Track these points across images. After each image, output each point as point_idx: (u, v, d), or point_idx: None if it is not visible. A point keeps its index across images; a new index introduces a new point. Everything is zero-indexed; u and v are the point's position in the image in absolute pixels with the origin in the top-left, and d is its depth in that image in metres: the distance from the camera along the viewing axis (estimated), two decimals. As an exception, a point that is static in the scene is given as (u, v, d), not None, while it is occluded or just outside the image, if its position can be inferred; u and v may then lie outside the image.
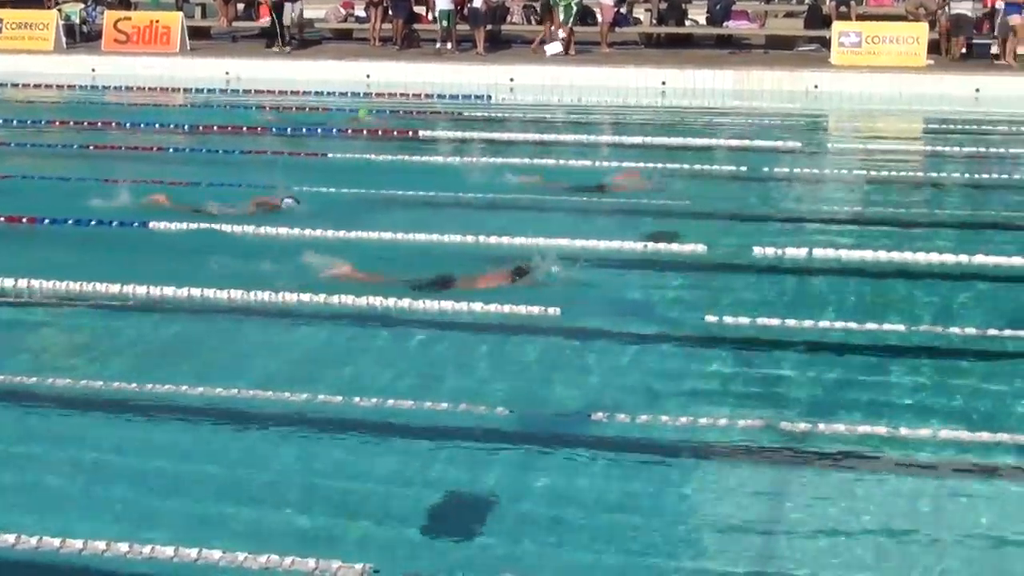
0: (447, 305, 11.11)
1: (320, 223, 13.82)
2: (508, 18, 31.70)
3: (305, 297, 11.33)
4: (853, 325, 10.76)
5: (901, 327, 10.72)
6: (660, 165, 17.99)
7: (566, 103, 25.11)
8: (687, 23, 31.63)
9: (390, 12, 30.64)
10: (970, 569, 7.00)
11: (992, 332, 10.58)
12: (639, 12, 32.03)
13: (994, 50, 28.38)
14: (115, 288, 11.65)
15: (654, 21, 31.74)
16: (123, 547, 6.89)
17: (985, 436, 8.52)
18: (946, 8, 28.89)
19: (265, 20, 31.67)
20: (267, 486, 7.81)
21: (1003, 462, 8.27)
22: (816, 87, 26.58)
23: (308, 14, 31.94)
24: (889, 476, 8.07)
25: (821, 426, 8.65)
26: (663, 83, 26.73)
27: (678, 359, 10.24)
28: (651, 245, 13.34)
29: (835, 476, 8.07)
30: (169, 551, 6.87)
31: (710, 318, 10.91)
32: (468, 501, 7.70)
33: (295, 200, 14.87)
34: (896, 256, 12.95)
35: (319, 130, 21.18)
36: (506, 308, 11.06)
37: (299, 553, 6.84)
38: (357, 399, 9.09)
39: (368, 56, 29.20)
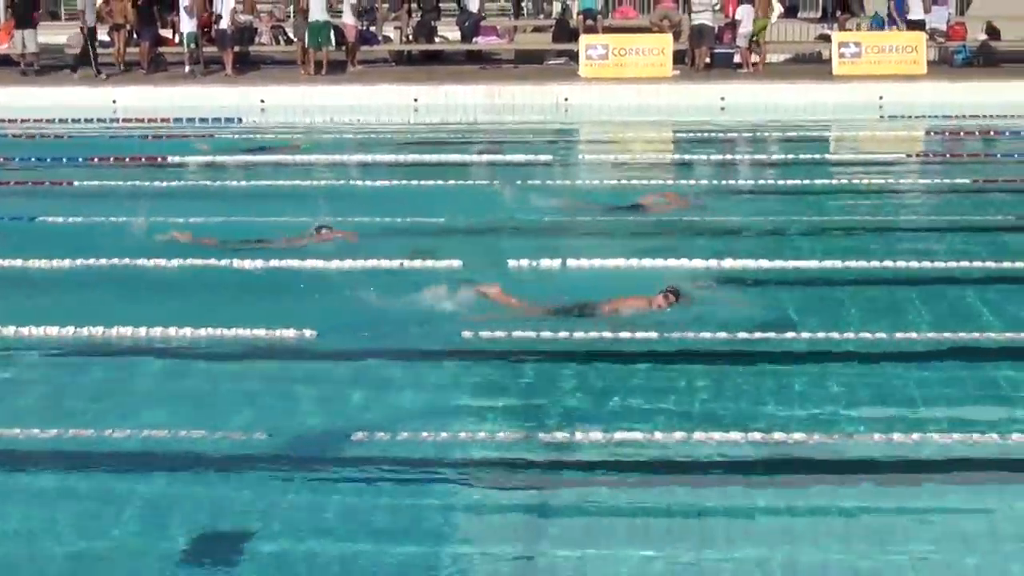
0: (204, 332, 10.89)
1: (63, 252, 13.43)
2: (257, 39, 31.33)
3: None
4: (607, 334, 10.84)
5: (654, 334, 10.82)
6: (414, 182, 17.98)
7: (318, 123, 24.92)
8: (437, 40, 31.70)
9: (135, 35, 30.00)
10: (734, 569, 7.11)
11: (742, 335, 10.79)
12: (388, 30, 31.95)
13: (737, 59, 29.13)
14: None
15: (404, 38, 31.73)
16: None
17: (736, 436, 8.68)
18: (688, 19, 29.50)
19: (3, 46, 30.63)
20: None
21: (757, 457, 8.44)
22: (566, 100, 26.89)
23: (48, 39, 31.01)
24: (649, 478, 8.14)
25: (579, 435, 8.68)
26: (415, 100, 26.74)
27: (437, 375, 10.20)
28: (407, 262, 13.27)
29: (596, 484, 8.11)
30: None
31: (467, 333, 10.88)
32: (224, 529, 7.53)
33: (330, 230, 14.42)
34: (648, 263, 13.12)
35: (64, 158, 20.57)
36: (260, 331, 10.87)
37: None
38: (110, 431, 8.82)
39: (114, 81, 28.52)
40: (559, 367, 10.21)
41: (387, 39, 31.93)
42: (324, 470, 8.36)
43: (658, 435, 8.72)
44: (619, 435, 8.68)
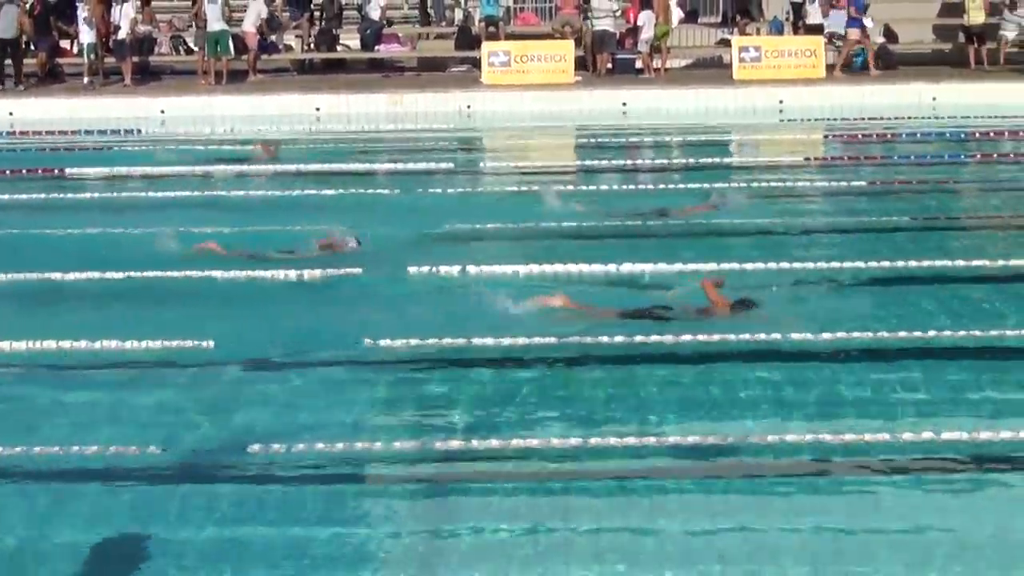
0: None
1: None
2: (156, 49, 31.03)
3: None
4: (507, 341, 10.84)
5: (553, 339, 10.84)
6: (316, 191, 17.92)
7: (219, 134, 24.73)
8: (339, 48, 31.58)
9: (32, 46, 29.62)
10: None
11: (640, 338, 10.82)
12: (289, 39, 31.78)
13: (638, 65, 29.28)
14: None
15: (306, 47, 31.58)
16: None
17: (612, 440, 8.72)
18: (589, 25, 29.59)
19: None
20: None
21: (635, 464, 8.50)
22: (469, 107, 26.91)
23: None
24: (547, 484, 8.16)
25: (475, 442, 8.67)
26: (317, 109, 26.64)
27: (338, 384, 10.13)
28: (308, 272, 13.19)
29: (496, 489, 8.13)
30: None
31: (368, 341, 10.84)
32: (122, 543, 7.44)
33: (357, 241, 14.22)
34: (548, 268, 13.16)
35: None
36: (158, 343, 10.77)
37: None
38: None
39: (11, 93, 28.13)
40: (461, 376, 10.21)
41: (288, 48, 31.76)
42: (218, 482, 8.29)
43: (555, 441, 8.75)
44: (515, 442, 8.69)
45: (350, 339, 10.92)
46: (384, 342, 10.79)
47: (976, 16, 29.18)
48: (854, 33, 29.04)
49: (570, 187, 18.60)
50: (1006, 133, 23.51)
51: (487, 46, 28.96)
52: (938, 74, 28.56)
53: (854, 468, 8.38)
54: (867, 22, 29.22)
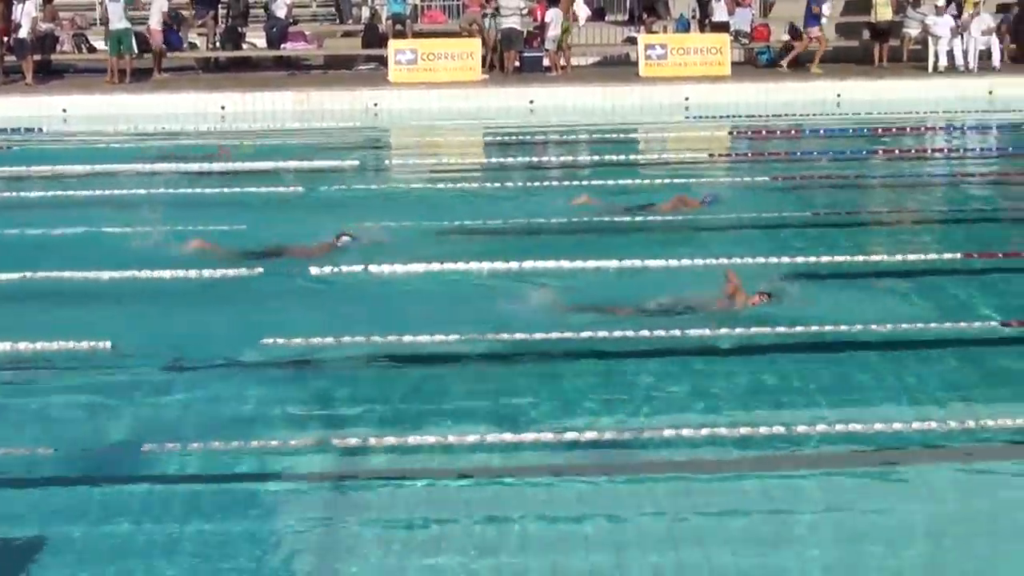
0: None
1: None
2: (58, 47, 30.63)
3: None
4: (407, 338, 10.80)
5: (457, 336, 10.81)
6: (221, 190, 17.78)
7: (122, 132, 24.43)
8: (245, 46, 31.35)
9: (-70, 46, 29.15)
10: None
11: (541, 335, 10.83)
12: (194, 37, 31.49)
13: (546, 63, 29.30)
14: None
15: (211, 45, 31.31)
16: None
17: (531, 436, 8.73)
18: (494, 22, 29.57)
19: None
20: None
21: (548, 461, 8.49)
22: (376, 105, 26.80)
23: None
24: (443, 481, 8.14)
25: (372, 440, 8.63)
26: (223, 108, 26.41)
27: (236, 385, 10.03)
28: (207, 271, 13.05)
29: (392, 487, 8.09)
30: None
31: (266, 340, 10.74)
32: (12, 544, 7.33)
33: (351, 237, 14.06)
34: (459, 266, 13.16)
35: None
36: (55, 345, 10.61)
37: None
38: None
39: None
40: (361, 375, 10.16)
41: (193, 46, 31.47)
42: (111, 482, 8.19)
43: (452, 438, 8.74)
44: (412, 439, 8.66)
45: (248, 339, 10.80)
46: (282, 341, 10.70)
47: (884, 13, 29.48)
48: (814, 31, 29.26)
49: (476, 185, 18.60)
50: (908, 128, 23.79)
51: (394, 44, 28.87)
52: (843, 71, 28.83)
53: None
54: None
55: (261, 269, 13.09)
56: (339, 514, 7.80)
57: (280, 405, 9.48)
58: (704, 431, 8.83)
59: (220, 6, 31.42)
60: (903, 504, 7.91)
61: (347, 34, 32.35)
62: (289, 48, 30.93)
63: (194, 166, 20.10)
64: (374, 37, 30.61)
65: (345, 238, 14.06)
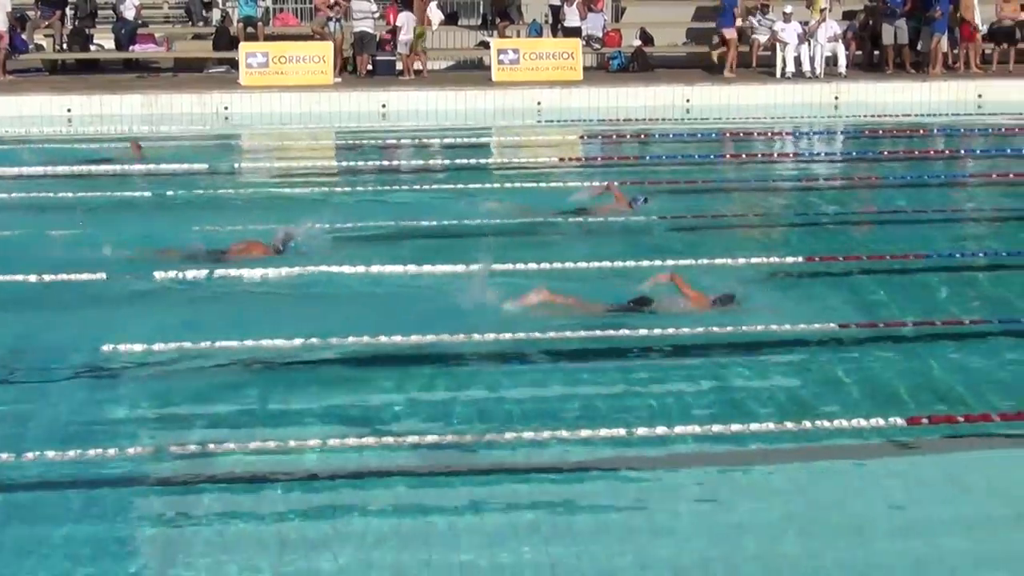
0: None
1: None
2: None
3: None
4: (250, 343, 10.73)
5: (300, 340, 10.74)
6: (68, 194, 17.49)
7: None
8: (92, 48, 30.82)
9: None
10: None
11: (415, 338, 10.86)
12: (40, 38, 30.87)
13: (399, 66, 29.22)
14: None
15: (58, 46, 30.72)
16: None
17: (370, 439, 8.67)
18: (339, 25, 29.47)
19: None
20: None
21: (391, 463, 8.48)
22: (226, 108, 26.48)
23: None
24: (284, 485, 8.12)
25: (212, 446, 8.56)
26: (68, 110, 25.92)
27: (74, 390, 9.89)
28: (48, 276, 12.81)
29: (235, 491, 8.07)
30: None
31: (106, 347, 10.57)
32: None
33: (293, 239, 13.82)
34: (298, 270, 13.08)
35: None
36: None
37: None
38: None
39: None
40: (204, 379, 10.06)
41: (39, 47, 30.86)
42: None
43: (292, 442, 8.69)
44: (255, 444, 8.60)
45: (88, 344, 10.64)
46: (124, 347, 10.55)
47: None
48: (730, 32, 29.51)
49: (326, 188, 18.52)
50: (755, 134, 24.14)
51: (245, 47, 28.57)
52: (692, 77, 29.14)
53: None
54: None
55: (104, 274, 12.87)
56: (177, 519, 7.72)
57: (118, 412, 9.36)
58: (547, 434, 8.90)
59: (67, 7, 30.83)
60: (744, 502, 8.04)
61: (198, 36, 31.93)
62: (138, 50, 30.44)
63: (38, 169, 19.72)
64: (225, 40, 30.27)
65: (282, 237, 13.93)
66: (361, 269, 13.10)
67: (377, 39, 29.42)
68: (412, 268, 13.18)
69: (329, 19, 29.54)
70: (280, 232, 13.94)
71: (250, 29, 29.70)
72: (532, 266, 13.26)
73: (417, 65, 29.14)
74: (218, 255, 13.57)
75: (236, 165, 21.44)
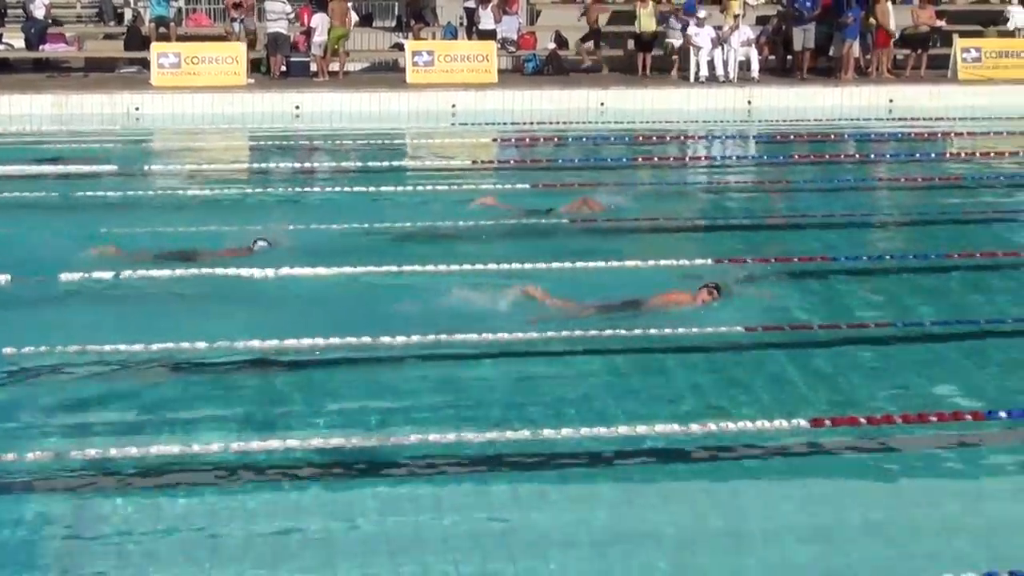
0: None
1: None
2: None
3: None
4: (156, 346, 10.61)
5: (203, 344, 10.66)
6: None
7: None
8: (1, 47, 30.40)
9: None
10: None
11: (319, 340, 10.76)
12: (-54, 37, 30.48)
13: (313, 68, 29.07)
14: None
15: (-34, 46, 30.34)
16: None
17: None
18: (243, 25, 29.31)
19: None
20: None
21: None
22: (138, 109, 26.21)
23: None
24: (209, 490, 8.09)
25: (114, 451, 8.48)
26: (-25, 110, 25.58)
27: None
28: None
29: (143, 497, 8.03)
30: None
31: (8, 350, 10.42)
32: None
33: (268, 242, 13.62)
34: (206, 271, 12.97)
35: None
36: None
37: None
38: None
39: None
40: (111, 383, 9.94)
41: (-54, 47, 30.46)
42: None
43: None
44: (155, 449, 8.52)
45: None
46: (28, 349, 10.41)
47: (647, 24, 29.98)
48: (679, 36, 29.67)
49: (236, 190, 18.39)
50: (669, 137, 24.25)
51: (156, 47, 28.31)
52: (607, 80, 29.24)
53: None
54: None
55: (8, 276, 12.69)
56: (76, 526, 7.65)
57: (21, 414, 9.22)
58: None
59: (-25, 5, 30.46)
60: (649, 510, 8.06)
61: (109, 36, 31.59)
62: (48, 50, 30.07)
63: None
64: (137, 40, 29.99)
65: (261, 243, 13.83)
66: (271, 272, 13.01)
67: (291, 40, 29.28)
68: (322, 271, 13.11)
69: (234, 20, 29.35)
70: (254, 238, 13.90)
71: (162, 29, 29.44)
72: (442, 267, 13.26)
73: (335, 67, 29.02)
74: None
75: (146, 167, 21.22)
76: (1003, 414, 9.46)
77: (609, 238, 15.44)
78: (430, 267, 13.28)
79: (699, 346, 11.05)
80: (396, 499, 8.08)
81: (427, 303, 11.84)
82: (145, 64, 28.84)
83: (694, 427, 9.10)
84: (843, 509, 8.12)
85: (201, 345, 10.60)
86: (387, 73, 30.36)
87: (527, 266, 13.35)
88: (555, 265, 13.41)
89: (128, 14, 31.49)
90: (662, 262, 13.64)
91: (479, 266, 13.38)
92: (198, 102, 26.50)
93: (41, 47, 29.86)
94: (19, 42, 30.49)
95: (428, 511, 7.90)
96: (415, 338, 10.86)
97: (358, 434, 8.94)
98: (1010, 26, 31.93)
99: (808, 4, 29.21)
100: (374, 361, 10.60)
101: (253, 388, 10.00)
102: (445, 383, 10.17)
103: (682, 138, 24.59)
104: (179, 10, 30.91)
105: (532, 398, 9.83)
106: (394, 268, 13.25)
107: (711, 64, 29.22)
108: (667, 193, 19.14)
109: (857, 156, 22.76)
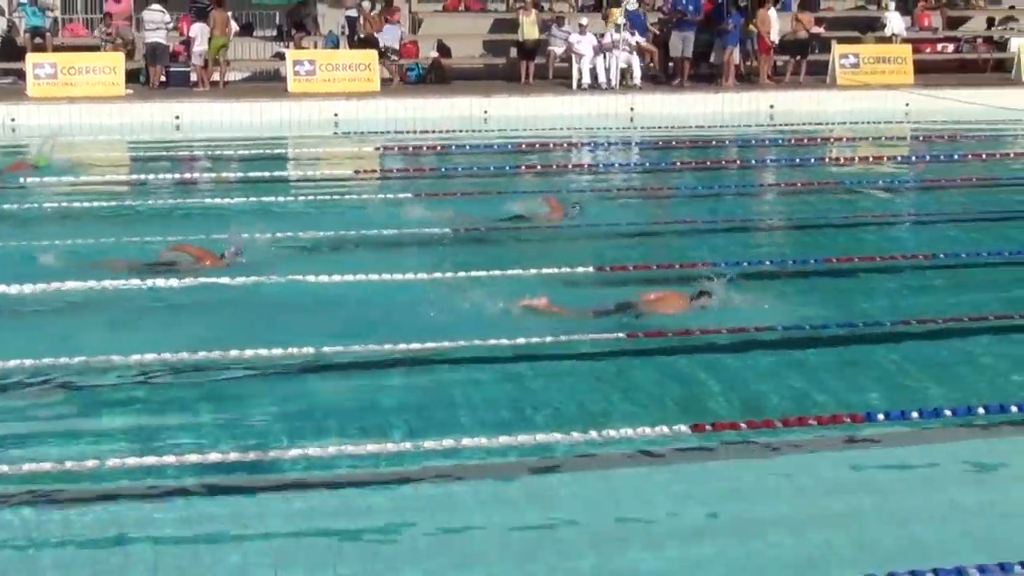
0: None
1: None
2: None
3: None
4: (63, 360, 10.47)
5: (137, 356, 10.53)
6: None
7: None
8: None
9: None
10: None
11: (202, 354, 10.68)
12: None
13: (193, 77, 28.80)
14: None
15: None
16: None
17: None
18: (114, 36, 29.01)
19: None
20: None
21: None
22: (13, 120, 25.80)
23: None
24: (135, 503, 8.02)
25: (68, 464, 8.42)
26: None
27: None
28: None
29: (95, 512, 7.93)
30: None
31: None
32: None
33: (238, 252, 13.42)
34: (95, 285, 12.79)
35: None
36: None
37: None
38: None
39: None
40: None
41: None
42: None
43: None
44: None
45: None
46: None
47: (530, 32, 30.11)
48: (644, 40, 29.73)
49: (114, 203, 18.12)
50: (551, 144, 24.31)
51: (32, 58, 27.90)
52: (490, 88, 29.26)
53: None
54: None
55: None
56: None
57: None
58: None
59: None
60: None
61: (-18, 47, 31.06)
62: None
63: None
64: (12, 50, 29.52)
65: (234, 250, 13.67)
66: (148, 283, 12.84)
67: (170, 49, 28.97)
68: (204, 280, 12.96)
69: (108, 35, 29.01)
70: (231, 245, 13.75)
71: (38, 39, 29.03)
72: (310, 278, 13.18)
73: (216, 76, 28.75)
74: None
75: (20, 179, 20.81)
76: (880, 416, 9.56)
77: (490, 246, 15.37)
78: (310, 277, 13.15)
79: (581, 353, 11.03)
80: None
81: (313, 313, 11.75)
82: (20, 75, 28.41)
83: (575, 435, 9.07)
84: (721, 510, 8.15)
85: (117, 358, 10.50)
86: (268, 83, 30.21)
87: (421, 276, 13.29)
88: (445, 275, 13.33)
89: (2, 24, 30.94)
90: (544, 270, 13.59)
91: (360, 276, 13.29)
92: (75, 113, 26.14)
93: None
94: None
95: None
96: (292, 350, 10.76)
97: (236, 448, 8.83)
98: (887, 32, 32.42)
99: (691, 7, 29.48)
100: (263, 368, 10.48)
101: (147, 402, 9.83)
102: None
103: (565, 145, 24.64)
104: (55, 20, 30.47)
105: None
106: (279, 279, 13.11)
107: (593, 72, 29.34)
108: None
109: (739, 161, 22.94)
